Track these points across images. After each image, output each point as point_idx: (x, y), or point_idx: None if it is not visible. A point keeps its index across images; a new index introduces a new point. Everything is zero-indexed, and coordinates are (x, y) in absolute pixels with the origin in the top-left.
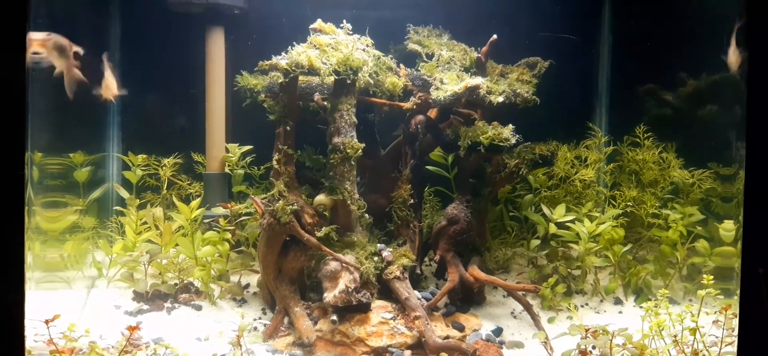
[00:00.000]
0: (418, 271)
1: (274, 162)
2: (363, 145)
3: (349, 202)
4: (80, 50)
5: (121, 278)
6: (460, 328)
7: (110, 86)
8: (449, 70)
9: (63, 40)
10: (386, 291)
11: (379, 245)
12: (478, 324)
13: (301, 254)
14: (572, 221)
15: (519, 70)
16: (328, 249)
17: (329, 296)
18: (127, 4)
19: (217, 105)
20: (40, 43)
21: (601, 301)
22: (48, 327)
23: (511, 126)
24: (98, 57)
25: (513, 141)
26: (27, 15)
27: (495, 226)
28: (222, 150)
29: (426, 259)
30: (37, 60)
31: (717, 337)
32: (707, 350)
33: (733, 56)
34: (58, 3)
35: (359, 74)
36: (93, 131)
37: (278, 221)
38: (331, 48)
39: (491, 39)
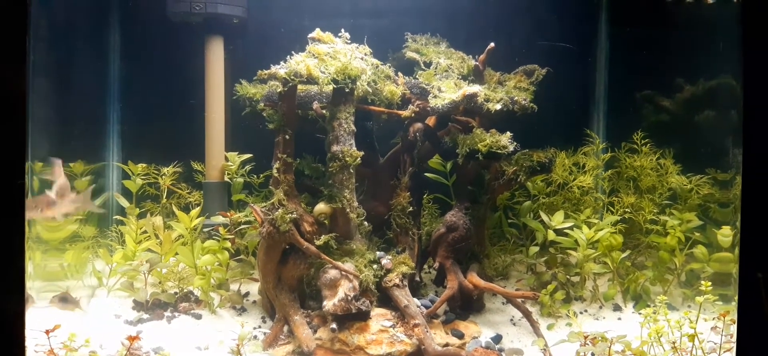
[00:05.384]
0: (418, 278)
1: (274, 171)
2: (362, 153)
3: (348, 210)
4: None
5: (121, 287)
6: (460, 335)
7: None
8: (447, 78)
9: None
10: (385, 299)
11: (378, 252)
12: (478, 332)
13: (300, 263)
14: (571, 228)
15: (516, 78)
16: (327, 257)
17: (329, 304)
18: (126, 15)
19: (217, 114)
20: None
21: (600, 307)
22: (48, 337)
23: (509, 133)
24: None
25: (511, 148)
26: (27, 25)
27: (494, 233)
28: (221, 159)
29: (425, 266)
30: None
31: (715, 343)
32: None
33: None
34: (58, 13)
35: (357, 83)
36: (93, 140)
37: (277, 230)
38: (330, 57)
39: (489, 47)
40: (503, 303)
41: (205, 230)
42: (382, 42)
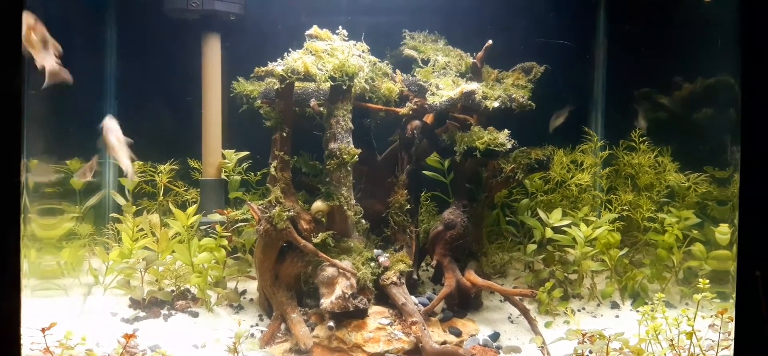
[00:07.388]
0: (415, 276)
1: (271, 168)
2: (359, 150)
3: (345, 208)
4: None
5: (117, 285)
6: (457, 333)
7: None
8: (445, 76)
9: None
10: (383, 297)
11: (375, 250)
12: (475, 329)
13: (297, 261)
14: (569, 226)
15: (514, 75)
16: (324, 255)
17: (326, 302)
18: (122, 11)
19: (214, 111)
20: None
21: (598, 305)
22: (44, 335)
23: (506, 131)
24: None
25: (509, 146)
26: (22, 24)
27: (491, 231)
28: (218, 156)
29: (423, 264)
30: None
31: (713, 341)
32: (704, 354)
33: None
34: (52, 10)
35: (355, 80)
36: (89, 137)
37: (275, 228)
38: (327, 54)
39: (487, 44)
40: (501, 301)
41: (202, 227)
42: (380, 39)
